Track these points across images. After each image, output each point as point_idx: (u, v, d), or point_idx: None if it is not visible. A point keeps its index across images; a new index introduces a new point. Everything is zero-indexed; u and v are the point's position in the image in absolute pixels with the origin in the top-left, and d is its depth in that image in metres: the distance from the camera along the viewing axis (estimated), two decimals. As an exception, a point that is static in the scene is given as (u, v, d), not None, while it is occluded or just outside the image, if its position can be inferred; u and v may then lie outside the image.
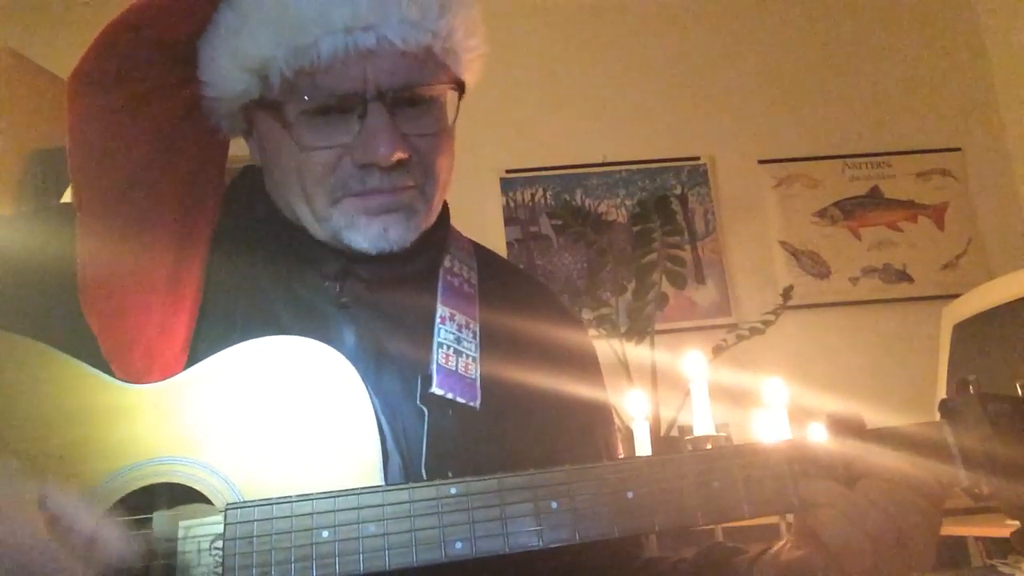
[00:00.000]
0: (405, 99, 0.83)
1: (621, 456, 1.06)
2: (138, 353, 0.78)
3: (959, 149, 3.42)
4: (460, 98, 0.88)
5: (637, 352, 2.85)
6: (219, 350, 0.78)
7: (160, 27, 0.83)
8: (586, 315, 2.88)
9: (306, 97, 0.81)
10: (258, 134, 0.89)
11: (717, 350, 2.73)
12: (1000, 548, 2.08)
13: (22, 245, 0.86)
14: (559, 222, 3.20)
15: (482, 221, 3.20)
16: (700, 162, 3.35)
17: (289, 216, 0.89)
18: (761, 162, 3.36)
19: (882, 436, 0.73)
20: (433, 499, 0.67)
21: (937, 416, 0.75)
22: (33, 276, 0.84)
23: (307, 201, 0.85)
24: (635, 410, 2.28)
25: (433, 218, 0.91)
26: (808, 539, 0.73)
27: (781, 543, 0.78)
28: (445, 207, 0.99)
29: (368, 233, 0.84)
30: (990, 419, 0.72)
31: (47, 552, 0.60)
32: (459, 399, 0.85)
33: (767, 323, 2.78)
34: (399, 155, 0.81)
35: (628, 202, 3.29)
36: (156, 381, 0.77)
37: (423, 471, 0.80)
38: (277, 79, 0.80)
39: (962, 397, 0.74)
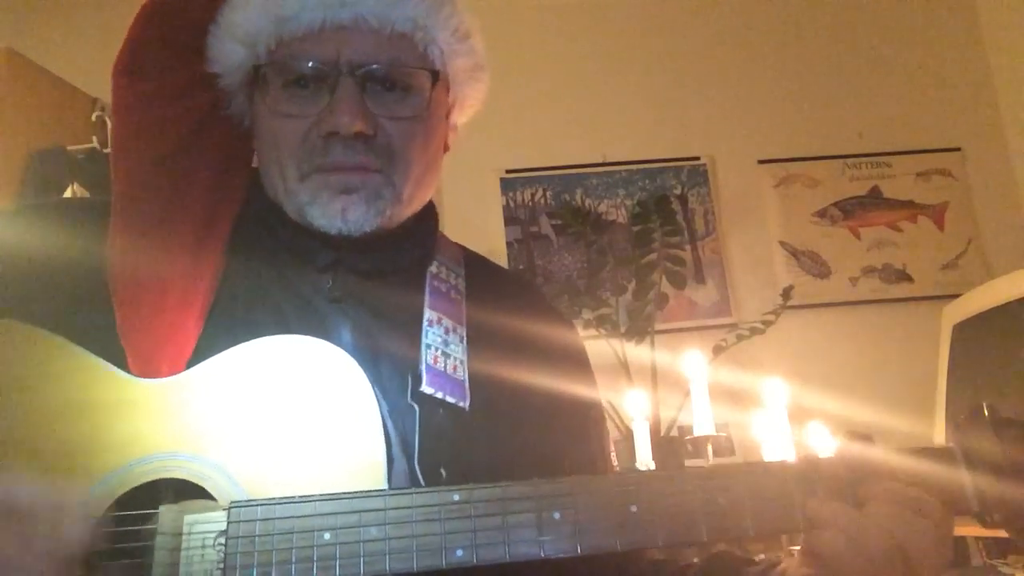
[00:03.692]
0: (379, 80, 0.85)
1: (612, 454, 1.06)
2: (149, 344, 0.79)
3: (959, 149, 3.42)
4: (434, 88, 0.89)
5: (637, 352, 2.85)
6: (225, 346, 0.78)
7: (197, 11, 0.88)
8: (586, 315, 2.88)
9: (284, 66, 0.85)
10: (252, 114, 0.92)
11: (717, 350, 2.73)
12: (1000, 548, 2.08)
13: (36, 236, 0.87)
14: (559, 222, 3.20)
15: (482, 221, 3.20)
16: (700, 162, 3.35)
17: (271, 195, 0.91)
18: (761, 162, 3.36)
19: (892, 459, 0.72)
20: (435, 505, 0.67)
21: (939, 422, 0.74)
22: (47, 267, 0.84)
23: (281, 176, 0.87)
24: (635, 410, 2.29)
25: (405, 211, 0.91)
26: (813, 558, 0.72)
27: (789, 560, 0.78)
28: (433, 211, 1.00)
29: (327, 211, 0.85)
30: (1003, 447, 0.71)
31: None
32: (448, 399, 0.85)
33: (767, 323, 2.78)
34: (360, 126, 0.83)
35: (628, 202, 3.29)
36: (163, 376, 0.77)
37: (416, 468, 0.80)
38: (264, 51, 0.86)
39: (975, 422, 0.73)
